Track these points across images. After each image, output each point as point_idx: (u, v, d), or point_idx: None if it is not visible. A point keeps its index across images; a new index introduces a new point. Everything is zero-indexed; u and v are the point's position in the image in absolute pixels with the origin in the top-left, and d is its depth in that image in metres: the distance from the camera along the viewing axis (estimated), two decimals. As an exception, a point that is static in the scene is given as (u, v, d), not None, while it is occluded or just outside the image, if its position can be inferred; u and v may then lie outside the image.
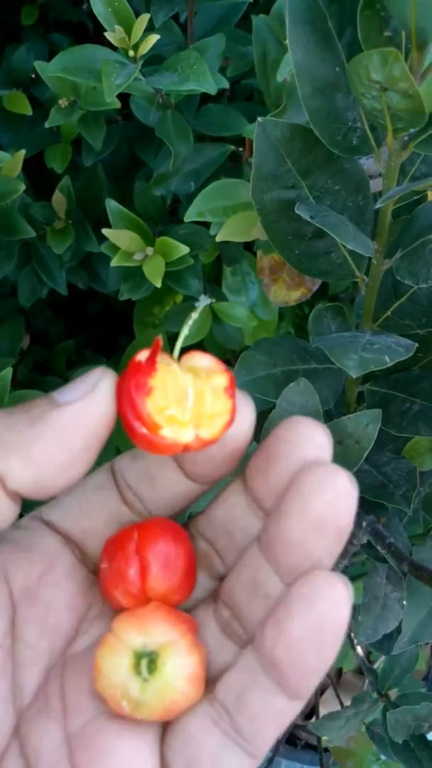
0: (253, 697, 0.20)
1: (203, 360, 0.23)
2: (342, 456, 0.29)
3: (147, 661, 0.21)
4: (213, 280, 0.72)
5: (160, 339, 0.22)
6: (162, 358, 0.22)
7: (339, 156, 0.28)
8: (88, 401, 0.21)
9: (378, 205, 0.26)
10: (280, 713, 0.20)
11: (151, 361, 0.21)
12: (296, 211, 0.27)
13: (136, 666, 0.21)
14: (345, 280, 0.32)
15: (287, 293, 0.59)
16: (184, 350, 0.25)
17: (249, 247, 0.67)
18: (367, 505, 0.42)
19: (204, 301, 0.73)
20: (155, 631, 0.21)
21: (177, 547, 0.22)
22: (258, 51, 0.48)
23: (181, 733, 0.21)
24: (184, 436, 0.21)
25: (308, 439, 0.22)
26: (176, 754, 0.21)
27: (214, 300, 0.66)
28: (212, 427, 0.22)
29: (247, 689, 0.20)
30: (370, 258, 0.32)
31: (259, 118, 0.27)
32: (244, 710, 0.20)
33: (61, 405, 0.21)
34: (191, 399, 0.21)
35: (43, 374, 0.72)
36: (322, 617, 0.19)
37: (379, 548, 0.33)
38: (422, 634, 0.30)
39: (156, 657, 0.21)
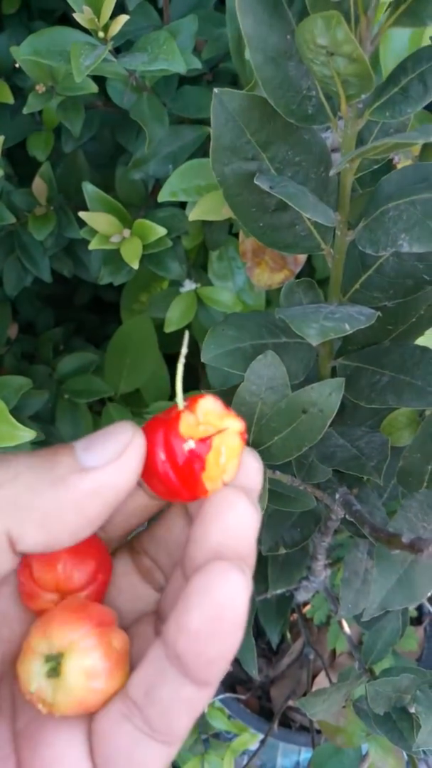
0: (162, 689, 0.20)
1: (209, 403, 0.23)
2: (307, 425, 0.30)
3: (51, 665, 0.21)
4: (200, 266, 0.72)
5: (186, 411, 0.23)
6: (184, 415, 0.22)
7: (298, 126, 0.28)
8: (115, 470, 0.20)
9: (333, 172, 0.26)
10: (190, 702, 0.21)
11: (206, 439, 0.22)
12: (255, 182, 0.27)
13: (46, 670, 0.21)
14: (312, 252, 0.32)
15: (270, 276, 0.60)
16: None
17: (233, 231, 0.67)
18: (344, 480, 0.42)
19: (188, 286, 0.73)
20: (58, 633, 0.21)
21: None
22: (232, 32, 0.48)
23: (97, 730, 0.22)
24: (218, 486, 0.22)
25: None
26: (96, 749, 0.22)
27: (199, 285, 0.66)
28: (230, 471, 0.22)
29: (156, 682, 0.21)
30: (335, 230, 0.32)
31: (215, 89, 0.27)
32: (154, 703, 0.20)
33: (86, 469, 0.20)
34: (223, 454, 0.22)
35: (31, 362, 0.73)
36: (218, 608, 0.19)
37: (346, 515, 0.34)
38: (391, 601, 0.30)
39: (60, 659, 0.21)
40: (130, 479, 0.21)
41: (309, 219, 0.31)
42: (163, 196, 0.43)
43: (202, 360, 0.33)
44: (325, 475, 0.41)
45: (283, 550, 0.45)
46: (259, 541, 0.49)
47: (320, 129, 0.29)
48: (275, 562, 0.53)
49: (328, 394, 0.29)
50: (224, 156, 0.28)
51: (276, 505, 0.41)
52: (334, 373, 0.39)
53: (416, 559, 0.30)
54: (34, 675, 0.21)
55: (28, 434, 0.41)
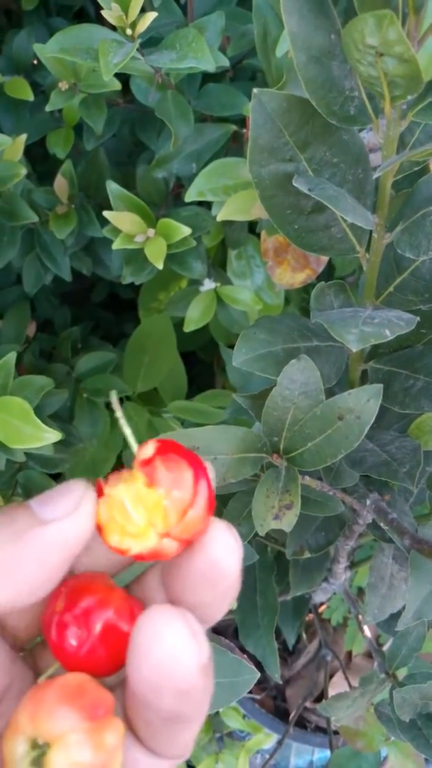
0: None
1: (168, 458, 0.21)
2: (343, 432, 0.29)
3: (36, 754, 0.20)
4: (218, 264, 0.71)
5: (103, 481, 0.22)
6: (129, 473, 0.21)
7: (337, 127, 0.28)
8: (72, 521, 0.21)
9: (376, 175, 0.26)
10: None
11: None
12: (294, 184, 0.26)
13: (30, 759, 0.20)
14: (346, 255, 0.32)
15: (292, 275, 0.59)
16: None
17: (254, 230, 0.66)
18: (371, 484, 0.41)
19: (208, 285, 0.73)
20: (47, 720, 0.20)
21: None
22: (258, 28, 0.48)
23: None
24: (149, 543, 0.21)
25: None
26: None
27: (218, 284, 0.66)
28: (187, 525, 0.21)
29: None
30: (371, 233, 0.31)
31: (255, 90, 0.27)
32: None
33: (45, 522, 0.21)
34: (144, 509, 0.21)
35: (49, 361, 0.72)
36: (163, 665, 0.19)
37: (382, 524, 0.33)
38: (426, 611, 0.30)
39: (47, 749, 0.20)
40: (87, 529, 0.21)
41: (345, 221, 0.31)
42: (190, 196, 0.43)
43: (234, 364, 0.32)
44: (353, 480, 0.40)
45: (307, 554, 0.45)
46: (284, 545, 0.48)
47: (359, 130, 0.29)
48: (296, 565, 0.52)
49: (366, 401, 0.28)
50: (262, 157, 0.27)
51: (303, 509, 0.40)
52: (364, 377, 0.38)
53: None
54: (18, 759, 0.20)
55: (52, 435, 0.41)
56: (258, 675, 0.32)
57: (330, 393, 0.37)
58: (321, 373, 0.32)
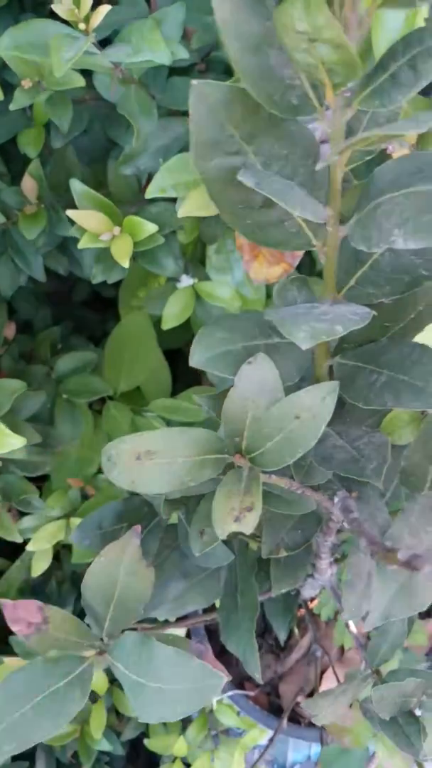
0: None
1: None
2: (301, 430, 0.29)
3: None
4: (198, 260, 0.70)
5: None
6: None
7: (283, 118, 0.27)
8: None
9: (320, 166, 0.25)
10: None
11: None
12: (239, 178, 0.26)
13: None
14: (303, 249, 0.31)
15: (268, 270, 0.58)
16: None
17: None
18: (344, 480, 0.41)
19: (186, 282, 0.72)
20: None
21: None
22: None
23: None
24: None
25: None
26: None
27: (197, 280, 0.65)
28: None
29: None
30: (326, 226, 0.31)
31: (193, 81, 0.26)
32: None
33: None
34: None
35: (28, 362, 0.72)
36: None
37: (344, 524, 0.32)
38: (392, 611, 0.29)
39: None
40: None
41: (299, 215, 0.30)
42: (151, 192, 0.42)
43: (191, 364, 0.32)
44: (324, 477, 0.40)
45: (284, 553, 0.44)
46: (260, 542, 0.48)
47: (307, 120, 0.28)
48: (277, 563, 0.52)
49: (322, 399, 0.28)
50: (206, 151, 0.27)
51: (274, 508, 0.40)
52: (330, 373, 0.37)
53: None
54: None
55: (17, 441, 0.40)
56: (225, 679, 0.32)
57: (296, 387, 0.36)
58: (282, 371, 0.31)
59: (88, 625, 0.38)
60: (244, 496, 0.30)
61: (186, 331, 0.73)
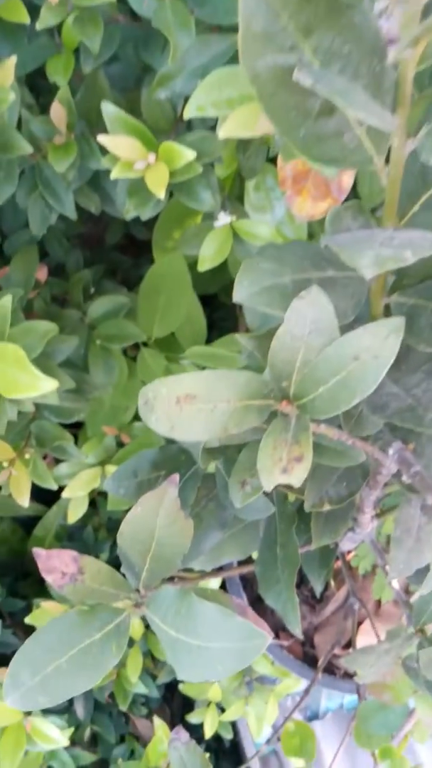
0: None
1: None
2: (359, 374, 0.25)
3: None
4: (235, 198, 0.66)
5: None
6: None
7: (347, 6, 0.23)
8: None
9: (391, 59, 0.21)
10: None
11: None
12: (294, 77, 0.22)
13: None
14: (361, 166, 0.27)
15: (313, 205, 0.54)
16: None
17: (272, 158, 0.61)
18: (396, 430, 0.38)
19: (223, 220, 0.68)
20: None
21: None
22: None
23: None
24: None
25: None
26: None
27: (234, 218, 0.61)
28: None
29: None
30: (390, 142, 0.27)
31: (243, -41, 0.22)
32: None
33: None
34: None
35: (62, 306, 0.70)
36: None
37: (404, 478, 0.30)
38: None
39: None
40: None
41: (360, 125, 0.26)
42: (189, 112, 0.38)
43: (234, 299, 0.29)
44: (375, 427, 0.37)
45: (327, 506, 0.42)
46: (303, 495, 0.45)
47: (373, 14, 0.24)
48: (318, 516, 0.49)
49: (384, 337, 0.24)
50: (256, 46, 0.23)
51: (320, 460, 0.37)
52: (387, 312, 0.34)
53: None
54: None
55: (49, 384, 0.38)
56: (270, 639, 0.30)
57: (349, 327, 0.33)
58: (336, 308, 0.28)
59: (123, 576, 0.37)
60: (291, 445, 0.27)
61: (222, 275, 0.69)
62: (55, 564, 0.35)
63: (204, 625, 0.31)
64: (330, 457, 0.36)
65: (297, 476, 0.26)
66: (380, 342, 0.25)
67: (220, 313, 0.92)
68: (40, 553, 0.35)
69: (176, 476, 0.34)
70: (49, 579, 0.35)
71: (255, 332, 0.41)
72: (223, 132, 0.36)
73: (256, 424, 0.29)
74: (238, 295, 0.28)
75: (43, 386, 0.37)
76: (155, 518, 0.35)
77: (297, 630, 0.46)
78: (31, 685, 0.33)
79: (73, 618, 0.35)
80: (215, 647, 0.30)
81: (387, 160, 0.28)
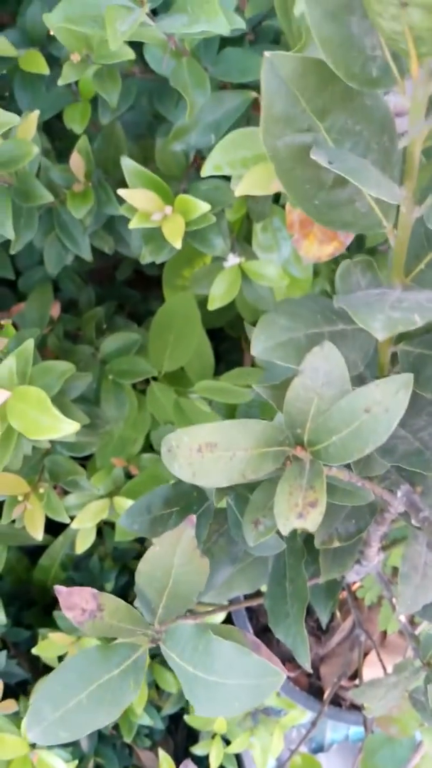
0: None
1: None
2: (371, 425, 0.27)
3: None
4: (243, 238, 0.69)
5: None
6: None
7: (359, 91, 0.25)
8: None
9: (403, 144, 0.23)
10: None
11: None
12: (312, 156, 0.24)
13: None
14: (372, 231, 0.29)
15: (319, 248, 0.56)
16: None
17: (279, 201, 0.64)
18: (403, 471, 0.39)
19: (232, 261, 0.70)
20: None
21: None
22: (278, -15, 0.45)
23: None
24: None
25: None
26: None
27: (243, 259, 0.63)
28: None
29: None
30: (398, 206, 0.29)
31: (267, 53, 0.24)
32: None
33: None
34: None
35: (74, 342, 0.71)
36: None
37: (413, 521, 0.31)
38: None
39: None
40: None
41: (370, 194, 0.28)
42: (206, 171, 0.41)
43: (252, 353, 0.30)
44: (383, 468, 0.38)
45: (337, 543, 0.43)
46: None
47: (382, 94, 0.26)
48: (327, 551, 0.51)
49: (394, 392, 0.26)
50: (276, 128, 0.25)
51: (331, 499, 0.38)
52: (394, 360, 0.36)
53: None
54: None
55: (70, 426, 0.40)
56: (284, 677, 0.31)
57: (358, 377, 0.34)
58: (346, 359, 0.30)
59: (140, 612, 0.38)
60: (307, 491, 0.29)
61: (229, 310, 0.72)
62: (76, 601, 0.36)
63: (221, 662, 0.32)
64: (340, 496, 0.37)
65: (312, 521, 0.28)
66: (391, 396, 0.26)
67: (225, 346, 0.94)
68: (61, 590, 0.36)
69: (193, 517, 0.36)
70: (70, 615, 0.37)
71: (255, 375, 0.43)
72: (239, 191, 0.38)
73: (271, 469, 0.30)
74: (257, 350, 0.30)
75: (65, 428, 0.39)
76: (173, 557, 0.36)
77: (307, 664, 0.47)
78: (52, 720, 0.34)
79: (93, 654, 0.36)
80: (232, 684, 0.31)
81: (395, 224, 0.30)
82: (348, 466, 0.38)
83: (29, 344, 0.44)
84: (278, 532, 0.50)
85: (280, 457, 0.31)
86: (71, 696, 0.34)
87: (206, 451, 0.29)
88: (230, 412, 0.82)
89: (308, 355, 0.28)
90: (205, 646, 0.33)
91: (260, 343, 0.30)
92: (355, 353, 0.32)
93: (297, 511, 0.28)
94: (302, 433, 0.30)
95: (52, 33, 0.65)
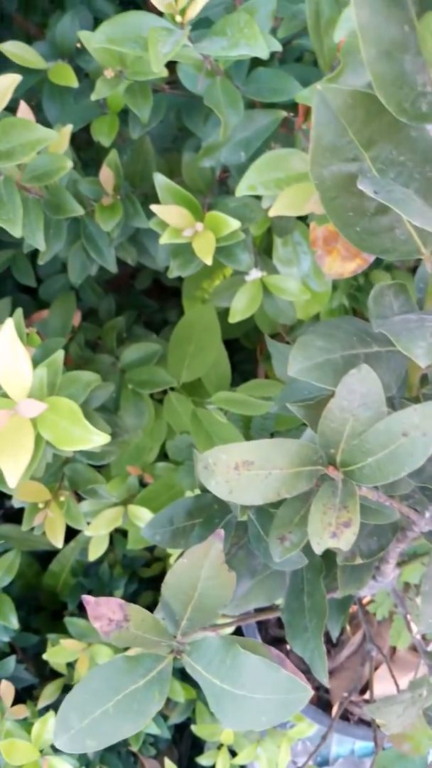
0: None
1: None
2: (407, 449, 0.28)
3: None
4: (263, 251, 0.69)
5: None
6: None
7: (405, 124, 0.26)
8: None
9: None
10: None
11: None
12: (358, 186, 0.25)
13: None
14: (409, 257, 0.30)
15: (342, 265, 0.57)
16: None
17: (300, 216, 0.64)
18: (427, 493, 0.40)
19: (254, 275, 0.71)
20: None
21: None
22: (311, 9, 0.45)
23: None
24: None
25: None
26: None
27: (264, 273, 0.64)
28: None
29: None
30: (437, 233, 0.29)
31: (318, 85, 0.25)
32: None
33: None
34: None
35: (93, 351, 0.72)
36: None
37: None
38: None
39: None
40: None
41: (410, 222, 0.29)
42: (240, 191, 0.41)
43: (289, 373, 0.31)
44: (408, 487, 0.39)
45: (359, 560, 0.44)
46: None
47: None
48: (344, 567, 0.51)
49: (432, 418, 0.27)
50: (323, 158, 0.26)
51: (357, 517, 0.39)
52: (424, 381, 0.36)
53: None
54: None
55: (101, 438, 0.40)
56: (311, 693, 0.31)
57: (388, 398, 0.35)
58: (382, 382, 0.30)
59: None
60: (340, 511, 0.30)
61: (246, 322, 0.72)
62: (103, 611, 0.37)
63: (249, 676, 0.32)
64: (366, 515, 0.38)
65: (346, 540, 0.28)
66: (429, 421, 0.27)
67: (240, 356, 0.95)
68: (89, 600, 0.37)
69: (221, 531, 0.36)
70: (97, 625, 0.37)
71: (292, 388, 0.43)
72: (273, 211, 0.39)
73: (305, 489, 0.31)
74: (294, 370, 0.30)
75: (95, 440, 0.40)
76: (200, 570, 0.36)
77: (324, 679, 0.47)
78: (79, 729, 0.34)
79: (119, 664, 0.36)
80: (259, 698, 0.32)
81: None
82: (375, 486, 0.38)
83: (59, 355, 0.45)
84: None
85: (314, 476, 0.31)
86: (98, 705, 0.34)
87: (243, 469, 0.29)
88: (246, 423, 0.83)
89: (345, 377, 0.29)
90: (233, 659, 0.33)
91: (297, 363, 0.30)
92: (389, 375, 0.32)
93: (330, 531, 0.29)
94: (335, 453, 0.31)
95: (79, 46, 0.67)
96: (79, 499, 0.76)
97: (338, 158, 0.26)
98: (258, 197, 0.51)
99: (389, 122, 0.26)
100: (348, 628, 0.86)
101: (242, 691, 0.32)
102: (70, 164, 0.47)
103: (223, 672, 0.33)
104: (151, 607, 0.38)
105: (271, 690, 0.31)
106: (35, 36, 0.77)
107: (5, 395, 0.40)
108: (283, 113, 0.50)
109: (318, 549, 0.29)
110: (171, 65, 0.55)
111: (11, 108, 0.50)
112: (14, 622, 0.76)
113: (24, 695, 0.84)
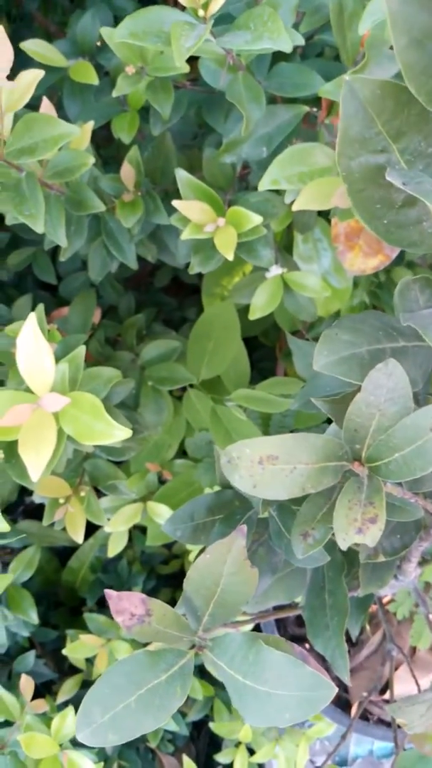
0: None
1: None
2: (434, 443, 0.27)
3: None
4: (284, 248, 0.69)
5: None
6: None
7: (434, 114, 0.25)
8: None
9: None
10: None
11: None
12: (387, 178, 0.24)
13: None
14: (437, 251, 0.29)
15: (364, 261, 0.56)
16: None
17: (321, 212, 0.64)
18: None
19: (275, 271, 0.71)
20: None
21: None
22: (335, 2, 0.45)
23: None
24: None
25: None
26: None
27: (285, 270, 0.64)
28: None
29: None
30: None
31: (346, 77, 0.25)
32: None
33: None
34: None
35: (113, 348, 0.72)
36: None
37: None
38: None
39: None
40: None
41: (439, 215, 0.28)
42: (263, 185, 0.41)
43: (315, 368, 0.31)
44: (433, 484, 0.38)
45: (382, 558, 0.43)
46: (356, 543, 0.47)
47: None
48: (366, 566, 0.51)
49: (461, 412, 0.26)
50: (351, 149, 0.26)
51: (381, 514, 0.38)
52: (449, 377, 0.36)
53: None
54: None
55: (122, 432, 0.40)
56: (335, 690, 0.31)
57: (414, 394, 0.35)
58: (408, 377, 0.30)
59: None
60: (366, 506, 0.29)
61: (265, 319, 0.72)
62: (126, 605, 0.37)
63: (272, 672, 0.32)
64: (390, 511, 0.37)
65: (372, 536, 0.28)
66: (457, 416, 0.27)
67: (259, 354, 0.94)
68: (112, 595, 0.37)
69: (244, 527, 0.36)
70: (119, 619, 0.37)
71: (313, 385, 0.43)
72: (297, 205, 0.38)
73: (331, 484, 0.31)
74: (319, 364, 0.30)
75: (117, 434, 0.40)
76: (222, 566, 0.36)
77: (346, 677, 0.47)
78: (101, 723, 0.34)
79: (141, 659, 0.36)
80: (283, 695, 0.31)
81: (459, 243, 0.30)
82: (399, 483, 0.38)
83: (81, 351, 0.45)
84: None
85: (339, 472, 0.31)
86: (120, 699, 0.34)
87: (267, 464, 0.29)
88: (265, 420, 0.83)
89: (372, 372, 0.28)
90: (256, 655, 0.33)
91: (323, 358, 0.30)
92: (415, 370, 0.32)
93: (356, 526, 0.28)
94: (361, 448, 0.31)
95: (99, 44, 0.67)
96: (99, 495, 0.77)
97: (366, 149, 0.26)
98: (279, 193, 0.51)
99: (418, 113, 0.25)
100: (368, 627, 0.85)
101: (265, 688, 0.32)
102: (91, 160, 0.48)
103: (245, 668, 0.33)
104: (169, 605, 0.38)
105: (295, 687, 0.31)
106: (55, 35, 0.77)
107: (28, 390, 0.40)
108: (306, 108, 0.50)
109: (344, 544, 0.29)
110: (192, 61, 0.55)
111: (33, 106, 0.50)
112: (34, 618, 0.77)
113: (43, 690, 0.85)
